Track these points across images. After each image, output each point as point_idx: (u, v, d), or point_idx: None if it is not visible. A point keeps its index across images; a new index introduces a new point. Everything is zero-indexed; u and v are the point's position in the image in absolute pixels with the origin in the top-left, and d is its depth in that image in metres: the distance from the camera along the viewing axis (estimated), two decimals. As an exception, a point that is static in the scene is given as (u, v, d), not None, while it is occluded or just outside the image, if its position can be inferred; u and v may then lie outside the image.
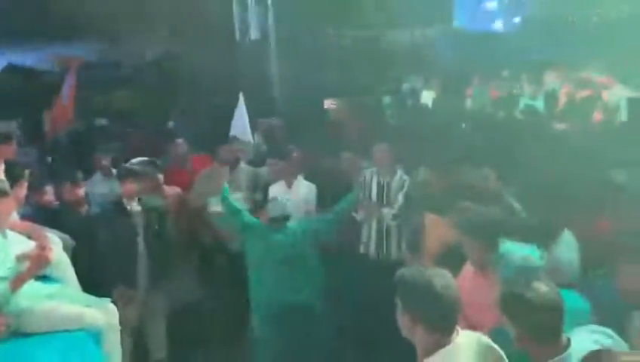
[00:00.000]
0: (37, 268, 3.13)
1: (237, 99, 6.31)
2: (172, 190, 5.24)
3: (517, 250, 2.68)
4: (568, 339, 2.08)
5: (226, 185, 4.49)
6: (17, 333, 3.07)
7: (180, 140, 5.94)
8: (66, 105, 6.90)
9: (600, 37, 13.68)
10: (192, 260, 5.25)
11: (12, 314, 3.01)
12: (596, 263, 3.04)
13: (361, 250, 4.86)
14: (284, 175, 5.13)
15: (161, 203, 4.76)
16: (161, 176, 5.07)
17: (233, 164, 5.34)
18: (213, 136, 5.90)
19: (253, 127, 6.27)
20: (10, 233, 3.36)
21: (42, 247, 3.13)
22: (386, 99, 9.16)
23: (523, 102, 7.75)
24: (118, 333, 3.40)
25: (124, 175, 4.52)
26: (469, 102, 8.63)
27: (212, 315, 4.93)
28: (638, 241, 2.73)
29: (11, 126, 4.38)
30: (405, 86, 10.09)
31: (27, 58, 9.01)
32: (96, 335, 3.22)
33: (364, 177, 4.87)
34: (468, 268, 2.97)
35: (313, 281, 4.27)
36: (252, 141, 6.18)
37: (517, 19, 18.65)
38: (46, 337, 3.11)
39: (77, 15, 8.66)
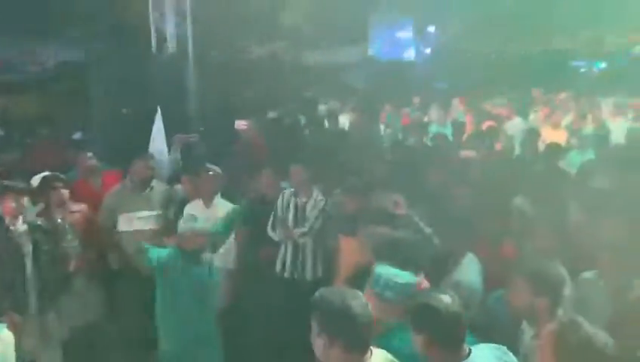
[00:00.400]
0: None
1: (151, 111, 6.12)
2: (78, 206, 4.94)
3: (390, 270, 2.83)
4: (470, 349, 2.25)
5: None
6: None
7: (89, 154, 5.63)
8: None
9: (500, 72, 14.88)
10: (95, 282, 4.93)
11: None
12: (498, 286, 3.25)
13: (278, 269, 4.88)
14: (201, 193, 5.03)
15: (55, 221, 4.47)
16: (65, 192, 4.75)
17: (146, 182, 5.13)
18: (125, 150, 5.64)
19: (170, 142, 6.09)
20: None
21: None
22: (303, 120, 9.33)
23: (432, 129, 8.22)
24: (13, 360, 3.15)
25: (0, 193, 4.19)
26: (382, 128, 8.96)
27: (116, 342, 4.67)
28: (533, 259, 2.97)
29: None
30: (322, 108, 10.32)
31: None
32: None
33: (283, 197, 4.92)
34: None
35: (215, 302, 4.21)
36: (167, 158, 5.99)
37: (427, 50, 19.80)
38: None
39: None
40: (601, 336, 2.18)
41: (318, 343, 2.12)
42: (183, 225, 4.05)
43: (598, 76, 17.15)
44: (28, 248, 4.14)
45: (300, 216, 4.82)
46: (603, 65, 18.28)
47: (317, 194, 4.87)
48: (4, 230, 4.08)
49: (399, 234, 3.10)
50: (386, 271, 2.63)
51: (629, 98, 10.34)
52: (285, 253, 4.87)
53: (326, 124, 8.99)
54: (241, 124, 7.24)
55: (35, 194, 4.65)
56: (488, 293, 3.29)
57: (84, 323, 4.68)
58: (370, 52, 17.25)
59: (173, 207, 5.06)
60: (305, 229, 4.76)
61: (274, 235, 4.90)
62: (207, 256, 4.09)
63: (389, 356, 2.26)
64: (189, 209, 4.80)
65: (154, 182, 5.19)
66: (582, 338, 2.17)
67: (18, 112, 8.75)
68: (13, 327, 3.71)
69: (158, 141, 5.96)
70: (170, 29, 10.27)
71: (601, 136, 6.72)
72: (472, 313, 3.18)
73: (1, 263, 4.01)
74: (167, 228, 4.73)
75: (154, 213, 5.01)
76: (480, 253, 3.45)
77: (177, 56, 9.95)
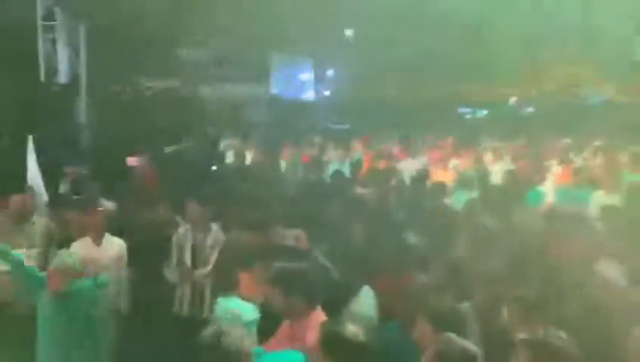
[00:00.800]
0: None
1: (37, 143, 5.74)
2: None
3: (233, 304, 2.89)
4: None
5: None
6: None
7: None
8: None
9: (396, 116, 15.81)
10: None
11: None
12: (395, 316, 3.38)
13: (175, 308, 4.70)
14: (90, 230, 4.72)
15: None
16: None
17: (24, 216, 4.73)
18: (4, 181, 5.23)
19: (60, 176, 5.73)
20: None
21: None
22: (203, 155, 9.21)
23: (332, 167, 8.48)
24: None
25: None
26: (283, 164, 9.09)
27: None
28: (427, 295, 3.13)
29: None
30: (223, 143, 10.27)
31: None
32: None
33: (179, 235, 4.77)
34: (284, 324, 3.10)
35: (101, 341, 3.95)
36: (43, 190, 5.56)
37: (327, 93, 20.56)
38: None
39: None
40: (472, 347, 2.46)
41: None
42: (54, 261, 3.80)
43: (482, 122, 18.80)
44: None
45: (198, 255, 4.69)
46: (485, 112, 20.07)
47: (216, 231, 4.77)
48: None
49: (295, 265, 3.13)
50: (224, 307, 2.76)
51: (506, 142, 11.44)
52: (183, 292, 4.69)
53: (228, 159, 8.98)
54: (132, 160, 7.00)
55: None
56: (384, 323, 3.40)
57: None
58: (272, 90, 17.57)
59: (56, 244, 4.70)
60: (206, 271, 4.63)
61: (170, 275, 4.73)
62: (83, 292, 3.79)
63: None
64: (75, 247, 4.47)
65: (35, 217, 4.82)
66: (457, 350, 2.42)
67: None
68: None
69: (34, 173, 5.55)
70: (62, 60, 9.79)
71: (483, 177, 7.32)
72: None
73: None
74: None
75: (34, 250, 4.63)
76: (378, 286, 3.57)
77: (69, 87, 9.49)
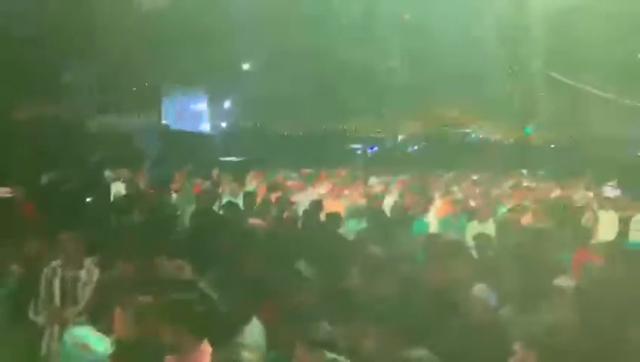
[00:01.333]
0: None
1: None
2: None
3: (84, 336, 2.70)
4: None
5: None
6: None
7: None
8: None
9: (292, 148, 16.04)
10: None
11: None
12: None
13: (43, 353, 4.24)
14: None
15: None
16: None
17: None
18: None
19: None
20: None
21: None
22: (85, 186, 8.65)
23: (225, 198, 8.34)
24: None
25: None
26: (174, 196, 8.78)
27: None
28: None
29: None
30: (108, 173, 9.74)
31: None
32: None
33: (46, 272, 4.36)
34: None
35: None
36: None
37: (223, 124, 20.38)
38: None
39: None
40: None
41: None
42: None
43: (372, 157, 19.62)
44: None
45: (69, 293, 4.31)
46: (375, 148, 21.02)
47: (89, 266, 4.42)
48: None
49: (180, 296, 2.97)
50: (72, 342, 2.48)
51: (394, 176, 11.99)
52: (52, 336, 4.24)
53: (114, 189, 8.54)
54: (3, 191, 6.38)
55: None
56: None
57: None
58: (163, 120, 17.05)
59: None
60: (79, 308, 4.25)
61: (37, 318, 4.30)
62: None
63: None
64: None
65: None
66: None
67: None
68: None
69: None
70: None
71: (373, 208, 7.59)
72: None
73: None
74: None
75: None
76: (265, 315, 3.50)
77: None
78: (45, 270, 4.36)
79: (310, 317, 3.19)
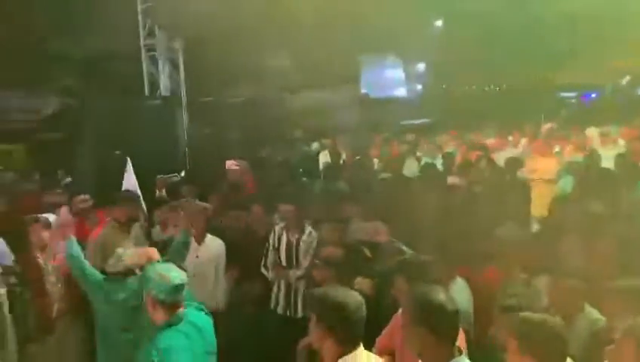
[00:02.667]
0: None
1: (139, 153, 6.15)
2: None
3: (159, 269, 2.91)
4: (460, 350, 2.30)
5: (73, 239, 3.86)
6: None
7: (82, 196, 5.68)
8: None
9: (491, 105, 15.14)
10: (78, 324, 4.86)
11: None
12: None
13: (272, 306, 4.81)
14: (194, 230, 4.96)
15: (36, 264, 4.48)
16: (46, 234, 4.71)
17: (130, 222, 5.10)
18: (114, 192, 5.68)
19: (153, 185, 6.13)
20: None
21: None
22: (296, 158, 9.40)
23: (423, 160, 8.31)
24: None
25: None
26: (376, 162, 9.03)
27: None
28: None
29: None
30: (315, 145, 10.43)
31: None
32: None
33: (274, 234, 4.87)
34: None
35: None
36: (141, 199, 5.96)
37: (419, 87, 20.20)
38: None
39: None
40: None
41: (316, 333, 2.36)
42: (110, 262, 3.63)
43: (588, 105, 17.47)
44: (2, 291, 4.09)
45: (292, 254, 4.76)
46: (593, 95, 18.64)
47: (309, 230, 4.79)
48: None
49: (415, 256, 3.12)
50: (154, 271, 2.88)
51: (618, 127, 10.46)
52: (279, 291, 4.80)
53: (321, 160, 9.13)
54: (231, 164, 7.28)
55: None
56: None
57: None
58: (362, 91, 17.56)
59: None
60: (300, 273, 4.69)
61: (267, 273, 4.84)
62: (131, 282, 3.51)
63: (373, 355, 2.48)
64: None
65: (137, 224, 5.19)
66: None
67: (9, 162, 8.79)
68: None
69: (131, 184, 5.94)
70: (163, 75, 10.52)
71: (590, 161, 6.77)
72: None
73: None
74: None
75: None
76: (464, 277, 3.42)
77: (170, 100, 10.13)
78: (272, 232, 4.87)
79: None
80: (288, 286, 4.75)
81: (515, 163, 6.58)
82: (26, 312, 4.28)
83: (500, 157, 8.05)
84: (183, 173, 6.51)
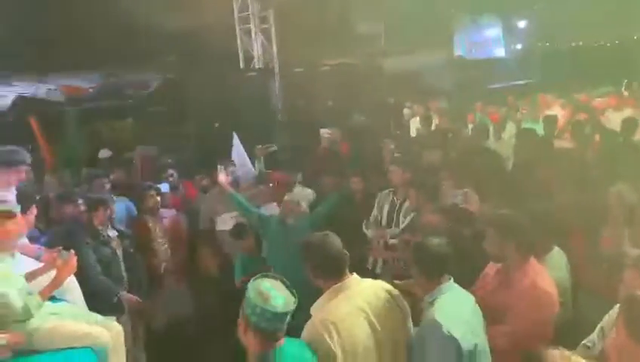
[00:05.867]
0: (62, 278, 3.25)
1: (236, 125, 6.43)
2: (169, 213, 5.53)
3: (268, 288, 2.50)
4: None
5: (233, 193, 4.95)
6: (27, 351, 3.13)
7: (170, 171, 6.23)
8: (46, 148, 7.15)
9: (596, 63, 13.97)
10: (183, 282, 5.34)
11: (24, 331, 3.08)
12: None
13: (369, 265, 4.96)
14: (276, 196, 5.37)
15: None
16: (157, 199, 5.23)
17: (232, 186, 5.49)
18: (206, 161, 6.08)
19: (251, 154, 6.43)
20: (18, 254, 3.46)
21: (67, 260, 3.27)
22: (390, 125, 9.32)
23: (524, 124, 7.93)
24: (123, 351, 3.45)
25: (94, 204, 4.67)
26: (470, 128, 8.73)
27: (201, 342, 4.94)
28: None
29: (21, 151, 4.49)
30: (406, 112, 10.25)
31: (37, 89, 9.23)
32: (101, 354, 3.27)
33: (381, 196, 5.05)
34: (490, 267, 3.15)
35: None
36: (251, 167, 6.33)
37: (518, 46, 19.03)
38: (52, 355, 3.16)
39: (83, 47, 8.94)
40: None
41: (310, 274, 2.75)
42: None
43: None
44: (119, 251, 4.59)
45: (393, 216, 4.87)
46: None
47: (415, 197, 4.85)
48: (100, 236, 4.55)
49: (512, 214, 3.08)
50: (254, 288, 2.35)
51: None
52: (377, 247, 4.90)
53: (413, 126, 8.99)
54: (324, 132, 7.41)
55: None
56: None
57: (172, 321, 5.03)
58: (457, 53, 16.90)
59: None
60: (396, 231, 4.78)
61: (366, 231, 5.01)
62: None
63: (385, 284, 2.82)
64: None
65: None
66: None
67: (121, 135, 9.51)
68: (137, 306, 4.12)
69: (240, 162, 6.33)
70: (256, 48, 10.80)
71: None
72: (567, 313, 3.09)
73: (102, 265, 4.45)
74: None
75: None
76: (574, 246, 3.29)
77: (263, 71, 10.40)
78: (380, 195, 5.03)
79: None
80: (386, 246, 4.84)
81: (632, 124, 6.07)
82: (138, 269, 4.79)
83: (613, 119, 7.51)
84: (273, 144, 6.74)
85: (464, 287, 2.83)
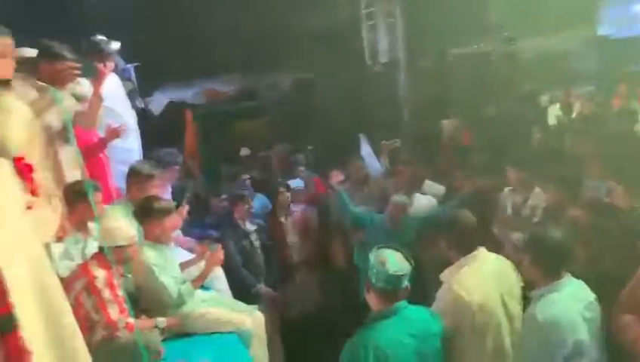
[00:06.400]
0: (211, 268, 3.65)
1: (363, 121, 6.46)
2: (297, 207, 5.84)
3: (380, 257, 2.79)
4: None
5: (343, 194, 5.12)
6: (180, 334, 3.54)
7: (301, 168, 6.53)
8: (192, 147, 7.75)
9: None
10: (314, 275, 5.58)
11: (179, 316, 3.49)
12: None
13: None
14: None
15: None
16: (288, 195, 5.56)
17: (362, 181, 5.63)
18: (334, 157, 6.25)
19: (378, 150, 6.50)
20: (173, 246, 3.91)
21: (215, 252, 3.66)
22: (528, 115, 8.83)
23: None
24: (264, 337, 3.75)
25: (234, 200, 5.04)
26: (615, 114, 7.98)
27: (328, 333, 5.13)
28: None
29: (175, 152, 5.04)
30: (544, 99, 9.63)
31: (184, 94, 10.14)
32: (245, 339, 3.58)
33: (503, 195, 4.90)
34: None
35: None
36: (379, 165, 6.41)
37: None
38: (203, 337, 3.54)
39: (222, 52, 9.63)
40: None
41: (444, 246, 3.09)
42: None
43: None
44: (257, 244, 4.96)
45: (515, 215, 4.68)
46: None
47: (538, 193, 4.62)
48: (240, 230, 4.95)
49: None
50: (374, 255, 2.72)
51: None
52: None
53: (551, 114, 8.46)
54: (445, 124, 7.31)
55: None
56: None
57: (302, 312, 5.30)
58: (600, 32, 15.41)
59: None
60: (519, 236, 4.57)
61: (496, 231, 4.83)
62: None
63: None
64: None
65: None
66: None
67: (258, 134, 10.11)
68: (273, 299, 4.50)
69: (368, 158, 6.45)
70: (381, 41, 10.80)
71: None
72: None
73: (242, 257, 4.84)
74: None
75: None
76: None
77: (389, 65, 10.40)
78: (502, 194, 4.90)
79: None
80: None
81: None
82: (273, 262, 5.13)
83: None
84: (397, 139, 6.73)
85: (617, 287, 2.69)
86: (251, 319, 3.64)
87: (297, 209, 5.78)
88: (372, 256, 2.72)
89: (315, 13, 9.74)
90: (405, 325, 2.64)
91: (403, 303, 2.70)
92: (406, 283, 2.68)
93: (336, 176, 5.33)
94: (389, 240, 4.36)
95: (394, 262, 2.67)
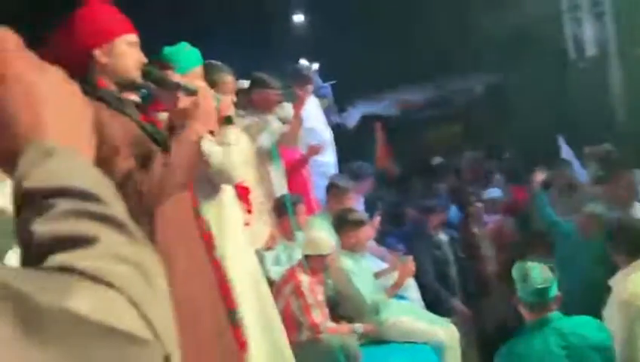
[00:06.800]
0: (404, 279, 3.81)
1: (566, 124, 6.01)
2: (493, 218, 5.67)
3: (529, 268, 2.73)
4: None
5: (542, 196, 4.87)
6: (376, 341, 3.71)
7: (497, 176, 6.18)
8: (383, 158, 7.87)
9: None
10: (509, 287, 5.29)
11: (375, 322, 3.67)
12: None
13: None
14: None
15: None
16: (481, 206, 5.43)
17: (571, 188, 5.22)
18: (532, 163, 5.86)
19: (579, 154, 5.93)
20: (367, 255, 4.12)
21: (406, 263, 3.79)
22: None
23: None
24: (458, 351, 3.71)
25: (428, 210, 4.99)
26: None
27: None
28: None
29: (367, 165, 5.30)
30: None
31: (376, 107, 10.47)
32: (438, 351, 3.60)
33: None
34: None
35: None
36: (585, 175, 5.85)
37: None
38: (397, 346, 3.65)
39: (415, 60, 9.69)
40: None
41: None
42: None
43: None
44: (450, 256, 4.88)
45: None
46: None
47: None
48: (434, 240, 4.94)
49: None
50: (519, 269, 2.70)
51: None
52: None
53: None
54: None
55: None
56: None
57: (498, 327, 5.04)
58: None
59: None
60: None
61: None
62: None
63: None
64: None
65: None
66: None
67: (449, 141, 9.96)
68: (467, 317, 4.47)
69: (567, 151, 5.98)
70: (587, 32, 9.81)
71: None
72: None
73: (435, 268, 4.83)
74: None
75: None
76: None
77: (598, 59, 9.39)
78: None
79: None
80: None
81: None
82: (467, 274, 5.02)
83: None
84: (606, 144, 6.01)
85: None
86: (444, 331, 3.64)
87: (491, 219, 5.57)
88: (515, 271, 2.75)
89: (507, 12, 9.30)
90: (556, 337, 2.59)
91: (556, 314, 2.68)
92: (554, 293, 2.67)
93: (539, 176, 5.04)
94: (578, 252, 4.22)
95: (537, 275, 2.66)
